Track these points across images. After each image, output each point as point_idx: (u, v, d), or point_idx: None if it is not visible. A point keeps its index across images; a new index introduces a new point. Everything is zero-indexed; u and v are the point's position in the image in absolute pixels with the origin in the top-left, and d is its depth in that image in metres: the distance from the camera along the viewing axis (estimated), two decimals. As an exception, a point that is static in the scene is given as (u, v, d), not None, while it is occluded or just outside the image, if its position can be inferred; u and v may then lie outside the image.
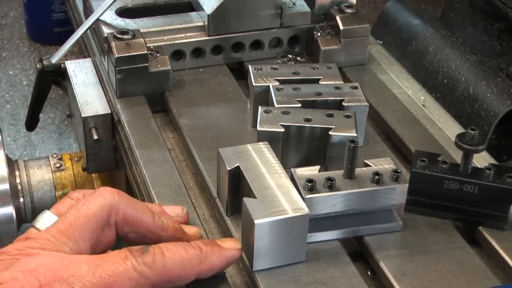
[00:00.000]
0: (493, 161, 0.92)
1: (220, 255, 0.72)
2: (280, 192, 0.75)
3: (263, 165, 0.79)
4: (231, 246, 0.73)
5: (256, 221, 0.71)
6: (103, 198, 0.71)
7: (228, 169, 0.78)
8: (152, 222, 0.74)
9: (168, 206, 0.81)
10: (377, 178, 0.78)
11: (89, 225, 0.70)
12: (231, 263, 0.74)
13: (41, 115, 1.49)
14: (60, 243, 0.68)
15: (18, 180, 1.15)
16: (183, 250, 0.70)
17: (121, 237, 0.74)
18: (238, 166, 0.78)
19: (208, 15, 1.06)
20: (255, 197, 0.74)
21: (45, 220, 0.72)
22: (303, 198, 0.75)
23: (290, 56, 1.13)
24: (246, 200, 0.73)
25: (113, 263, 0.66)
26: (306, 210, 0.73)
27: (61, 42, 1.12)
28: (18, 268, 0.65)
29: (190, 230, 0.79)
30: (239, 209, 0.78)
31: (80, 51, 1.35)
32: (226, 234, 0.81)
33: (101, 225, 0.71)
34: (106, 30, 1.05)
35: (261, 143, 0.82)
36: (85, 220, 0.70)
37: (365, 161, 0.81)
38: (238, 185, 0.79)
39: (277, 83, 0.95)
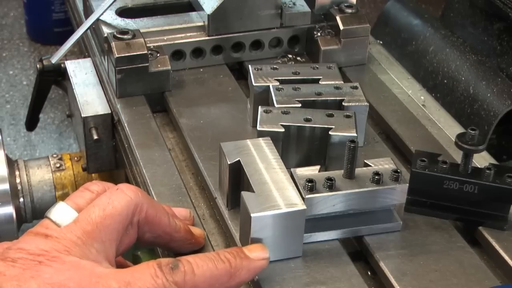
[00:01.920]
0: (493, 161, 0.92)
1: (249, 268, 0.70)
2: (275, 188, 0.75)
3: (261, 160, 0.79)
4: (259, 256, 0.71)
5: (252, 215, 0.71)
6: (128, 197, 0.69)
7: (229, 163, 0.79)
8: (167, 223, 0.73)
9: (175, 209, 0.80)
10: (377, 178, 0.78)
11: (115, 225, 0.67)
12: (259, 272, 0.72)
13: (41, 115, 1.49)
14: (86, 246, 0.65)
15: (18, 180, 1.15)
16: (213, 266, 0.67)
17: (138, 236, 0.72)
18: (239, 160, 0.79)
19: (208, 15, 1.06)
20: (253, 191, 0.74)
21: (62, 213, 0.68)
22: (303, 198, 0.75)
23: (290, 56, 1.13)
24: (244, 194, 0.74)
25: (144, 281, 0.63)
26: (300, 206, 0.73)
27: (61, 42, 1.12)
28: (46, 279, 0.61)
29: (195, 231, 0.79)
30: (239, 203, 0.79)
31: (80, 51, 1.35)
32: (226, 233, 0.82)
33: (126, 224, 0.69)
34: (106, 30, 1.05)
35: (261, 138, 0.82)
36: (111, 220, 0.67)
37: (365, 161, 0.81)
38: (238, 179, 0.80)
39: (277, 83, 0.95)
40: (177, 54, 1.08)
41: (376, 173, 0.78)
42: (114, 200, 0.68)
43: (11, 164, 1.16)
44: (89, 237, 0.66)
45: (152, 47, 1.03)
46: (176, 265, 0.65)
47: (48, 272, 0.62)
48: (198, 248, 0.79)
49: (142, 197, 0.70)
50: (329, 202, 0.77)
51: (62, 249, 0.64)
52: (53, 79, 1.28)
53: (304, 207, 0.73)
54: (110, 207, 0.68)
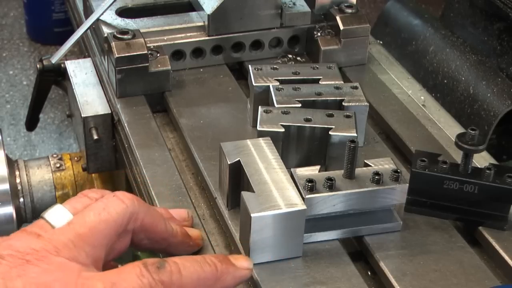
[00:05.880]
0: (493, 161, 0.92)
1: (235, 275, 0.70)
2: (275, 188, 0.75)
3: (261, 160, 0.79)
4: (243, 265, 0.71)
5: (252, 215, 0.71)
6: (124, 205, 0.69)
7: (229, 163, 0.79)
8: (164, 229, 0.73)
9: (174, 210, 0.80)
10: (377, 178, 0.78)
11: (108, 231, 0.67)
12: (242, 282, 0.73)
13: (41, 115, 1.49)
14: (77, 248, 0.65)
15: (18, 180, 1.15)
16: (199, 269, 0.67)
17: (134, 243, 0.72)
18: (239, 160, 0.79)
19: (208, 15, 1.06)
20: (253, 191, 0.74)
21: (59, 215, 0.67)
22: (303, 198, 0.75)
23: (290, 56, 1.13)
24: (244, 194, 0.74)
25: (129, 281, 0.63)
26: (300, 206, 0.73)
27: (61, 42, 1.12)
28: (32, 279, 0.61)
29: (192, 233, 0.79)
30: (239, 203, 0.79)
31: (80, 51, 1.35)
32: (226, 233, 0.82)
33: (119, 231, 0.69)
34: (106, 30, 1.05)
35: (261, 138, 0.82)
36: (105, 226, 0.67)
37: (365, 161, 0.81)
38: (238, 179, 0.80)
39: (277, 83, 0.95)
40: (177, 54, 1.08)
41: (376, 173, 0.78)
42: (110, 206, 0.68)
43: (11, 164, 1.16)
44: (80, 240, 0.65)
45: (152, 47, 1.03)
46: (163, 265, 0.65)
47: (35, 271, 0.62)
48: (197, 249, 0.79)
49: (138, 205, 0.70)
50: (329, 202, 0.77)
51: (52, 249, 0.64)
52: (53, 79, 1.28)
53: (304, 207, 0.73)
54: (105, 213, 0.68)
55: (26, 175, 1.16)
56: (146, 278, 0.64)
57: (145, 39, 1.01)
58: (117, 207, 0.68)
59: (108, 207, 0.68)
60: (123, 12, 1.11)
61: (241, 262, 0.71)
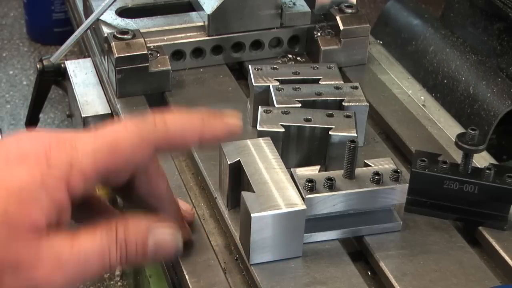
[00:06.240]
0: (493, 161, 0.92)
1: (222, 124, 0.70)
2: (275, 188, 0.75)
3: (261, 160, 0.79)
4: (231, 120, 0.71)
5: (252, 215, 0.71)
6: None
7: (229, 163, 0.79)
8: (167, 187, 0.74)
9: (180, 200, 0.80)
10: (377, 178, 0.78)
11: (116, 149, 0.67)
12: (232, 137, 0.72)
13: (41, 115, 1.49)
14: (72, 148, 0.65)
15: (18, 180, 1.15)
16: (185, 119, 0.69)
17: (133, 190, 0.72)
18: (239, 160, 0.79)
19: (208, 15, 1.06)
20: (253, 191, 0.74)
21: None
22: (303, 198, 0.75)
23: (290, 56, 1.13)
24: (244, 194, 0.74)
25: (112, 132, 0.65)
26: (300, 206, 0.73)
27: (61, 42, 1.12)
28: (9, 149, 0.63)
29: (183, 205, 0.80)
30: (239, 203, 0.79)
31: (80, 51, 1.35)
32: (226, 233, 0.82)
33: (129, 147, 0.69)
34: (106, 30, 1.05)
35: (261, 138, 0.82)
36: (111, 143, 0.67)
37: (365, 161, 0.81)
38: (238, 179, 0.80)
39: (277, 83, 0.95)
40: (177, 54, 1.08)
41: (376, 173, 0.78)
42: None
43: (11, 164, 1.16)
44: (79, 141, 0.65)
45: (152, 47, 1.03)
46: (146, 117, 0.67)
47: (12, 142, 0.64)
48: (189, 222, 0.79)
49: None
50: (329, 202, 0.77)
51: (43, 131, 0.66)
52: (53, 79, 1.28)
53: (304, 207, 0.73)
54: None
55: (26, 175, 1.16)
56: (130, 126, 0.65)
57: (145, 39, 1.01)
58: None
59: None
60: (123, 12, 1.11)
61: (230, 118, 0.71)
